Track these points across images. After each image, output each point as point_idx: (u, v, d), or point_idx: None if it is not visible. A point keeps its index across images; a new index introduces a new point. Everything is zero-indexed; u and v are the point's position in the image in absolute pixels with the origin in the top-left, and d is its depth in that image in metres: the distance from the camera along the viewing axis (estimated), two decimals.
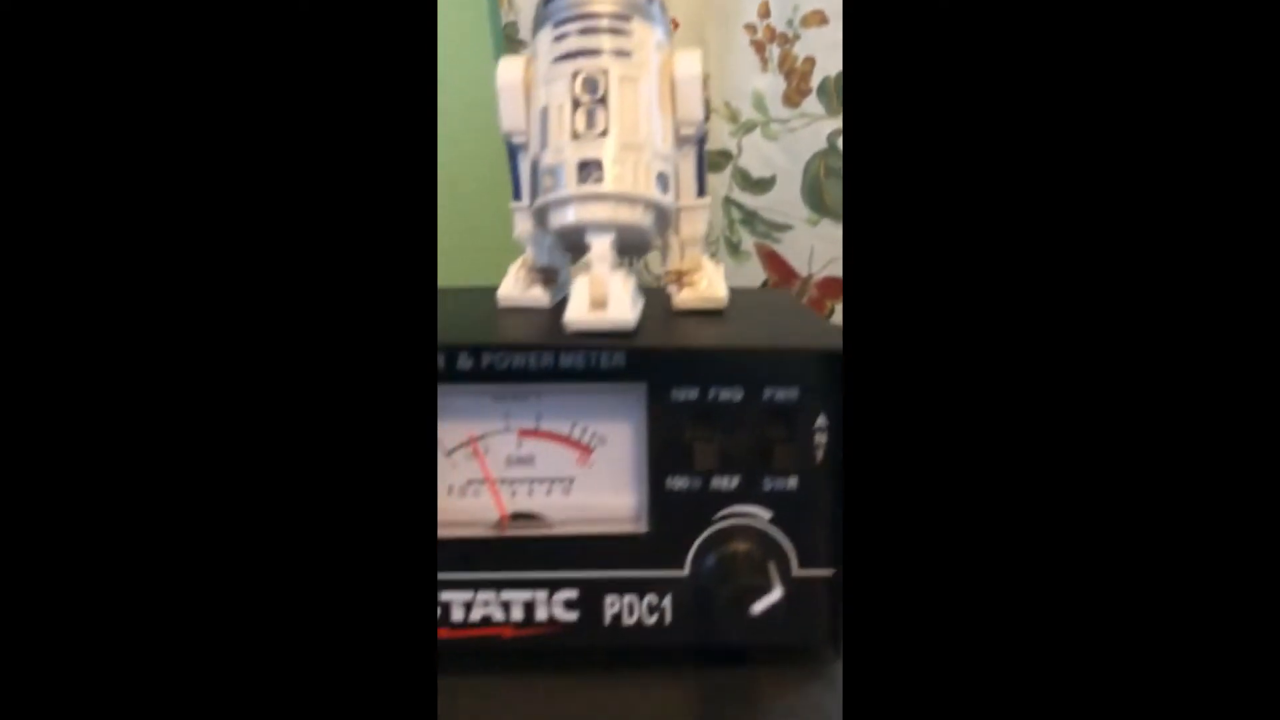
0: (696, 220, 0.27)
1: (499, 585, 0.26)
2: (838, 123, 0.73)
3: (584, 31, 0.24)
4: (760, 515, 0.25)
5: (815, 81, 0.72)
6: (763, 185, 0.76)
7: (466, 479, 0.26)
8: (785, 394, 0.25)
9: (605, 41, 0.24)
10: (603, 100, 0.23)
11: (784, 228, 0.76)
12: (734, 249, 0.78)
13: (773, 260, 0.78)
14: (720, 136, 0.75)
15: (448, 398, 0.25)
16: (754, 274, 0.79)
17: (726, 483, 0.25)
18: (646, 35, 0.25)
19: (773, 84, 0.73)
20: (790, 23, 0.71)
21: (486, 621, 0.26)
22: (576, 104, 0.23)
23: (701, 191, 0.27)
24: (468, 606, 0.26)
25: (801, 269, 0.78)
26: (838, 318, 0.79)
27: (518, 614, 0.26)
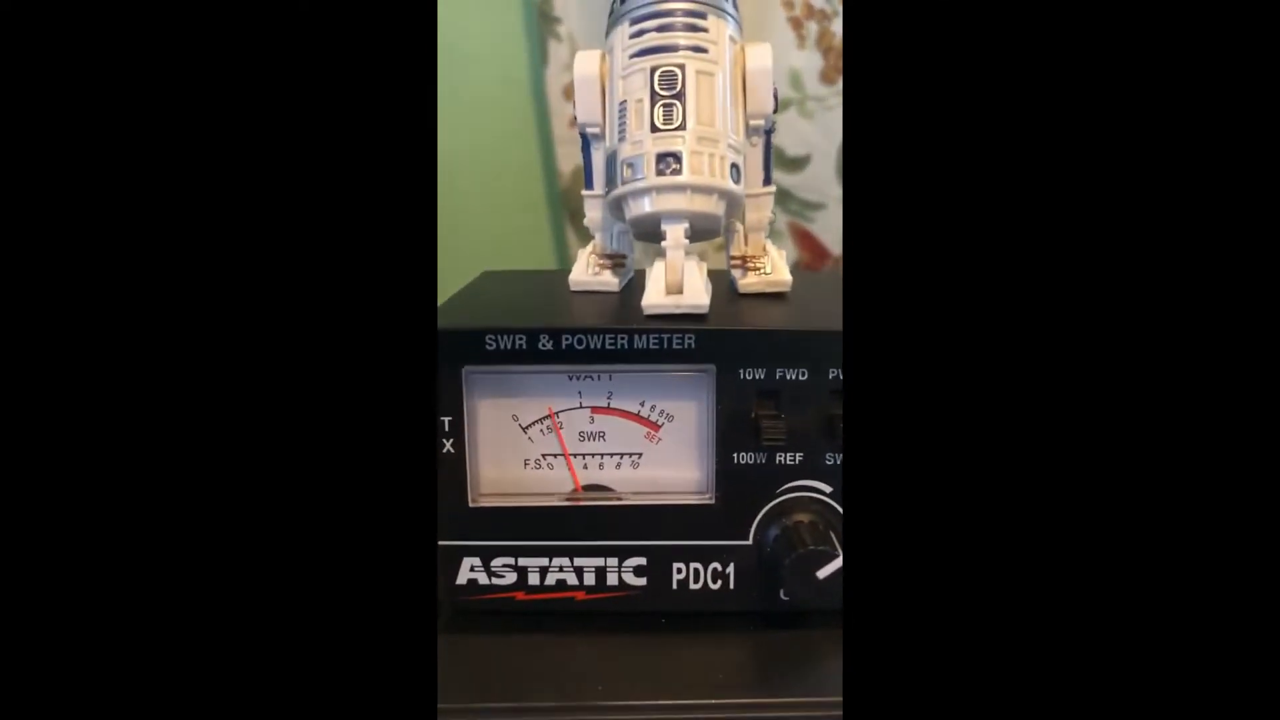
0: (763, 207, 0.29)
1: (572, 552, 0.28)
2: None
3: (661, 29, 0.25)
4: (823, 490, 0.27)
5: None
6: (797, 164, 0.76)
7: (541, 452, 0.28)
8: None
9: (681, 38, 0.25)
10: (679, 94, 0.24)
11: (818, 206, 0.77)
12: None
13: (805, 239, 0.78)
14: None
15: (530, 376, 0.27)
16: (786, 252, 0.79)
17: (790, 458, 0.27)
18: (721, 30, 0.26)
19: (810, 61, 0.73)
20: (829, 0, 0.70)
21: (561, 585, 0.28)
22: (655, 98, 0.24)
23: (768, 180, 0.28)
24: (543, 571, 0.28)
25: (834, 248, 0.78)
26: None
27: (590, 579, 0.28)
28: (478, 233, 0.81)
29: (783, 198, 0.78)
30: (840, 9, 0.70)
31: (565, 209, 0.83)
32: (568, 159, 0.81)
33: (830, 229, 0.78)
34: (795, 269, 0.30)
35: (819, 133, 0.75)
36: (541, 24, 0.77)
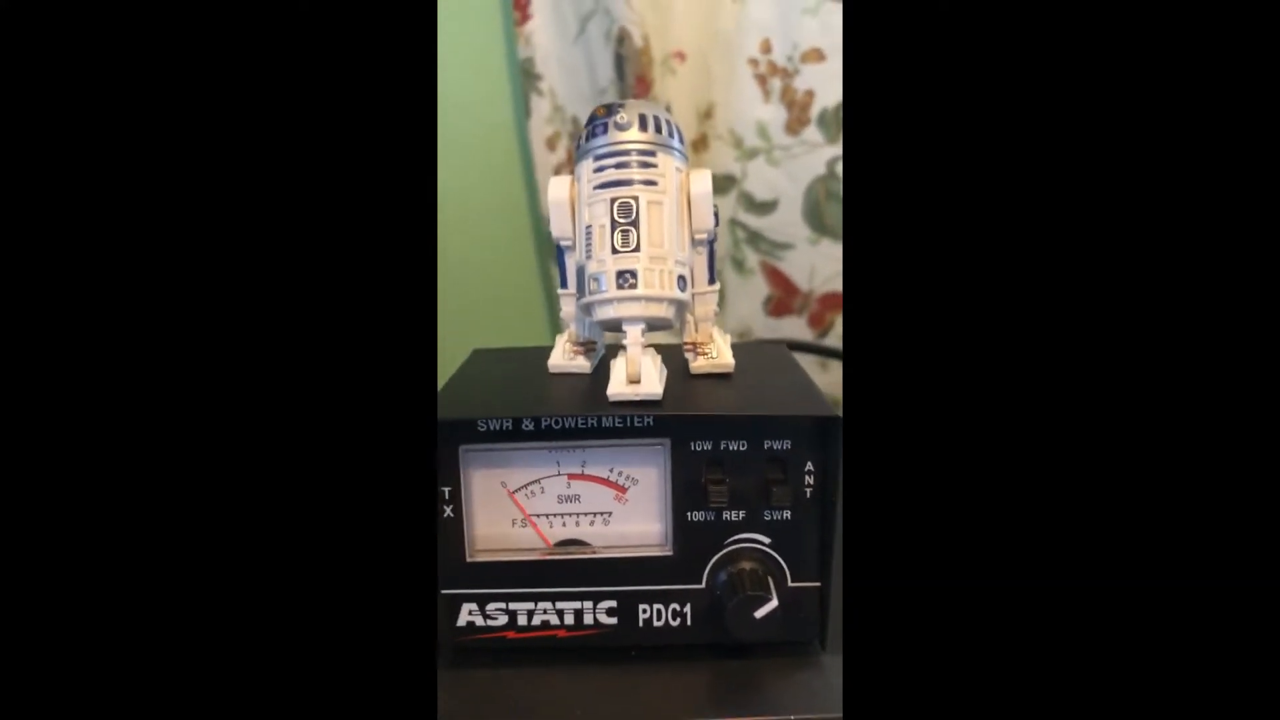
0: (708, 303, 0.34)
1: (554, 597, 0.32)
2: (836, 150, 0.78)
3: (618, 166, 0.30)
4: (762, 540, 0.32)
5: (814, 112, 0.77)
6: (766, 207, 0.82)
7: (528, 513, 0.33)
8: (781, 445, 0.31)
9: (636, 174, 0.30)
10: (634, 222, 0.30)
11: (786, 246, 0.82)
12: (739, 266, 0.84)
13: (775, 277, 0.84)
14: (726, 162, 0.80)
15: (514, 450, 0.32)
16: (758, 289, 0.84)
17: (735, 515, 0.31)
18: (669, 163, 0.31)
19: (775, 114, 0.78)
20: (790, 58, 0.76)
21: (546, 625, 0.33)
22: (615, 224, 0.30)
23: (712, 280, 0.34)
24: (530, 614, 0.33)
25: (803, 285, 0.83)
26: (837, 329, 0.85)
27: (570, 619, 0.33)
28: (472, 264, 0.86)
29: (754, 239, 0.83)
30: (801, 69, 0.76)
31: (550, 250, 0.88)
32: None
33: (799, 266, 0.83)
34: (737, 349, 0.35)
35: (785, 179, 0.81)
36: (524, 80, 0.82)
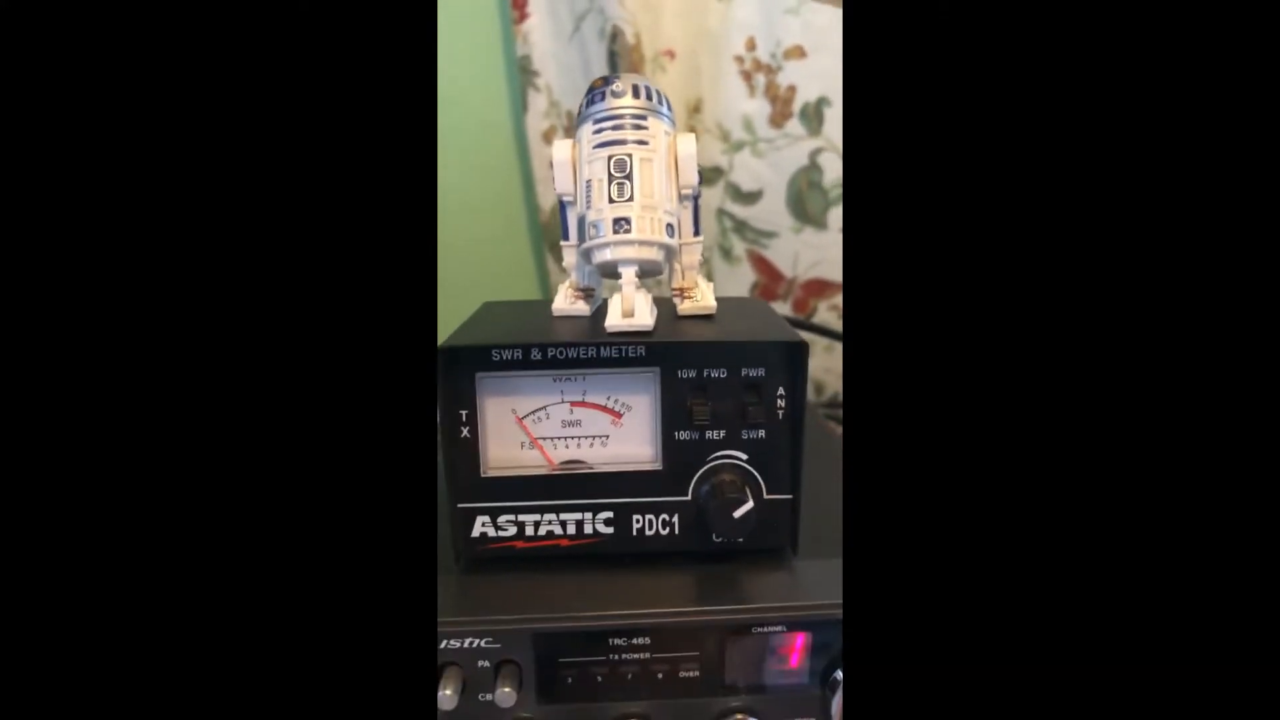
0: (694, 252, 0.39)
1: (557, 509, 0.37)
2: (817, 142, 0.83)
3: (614, 128, 0.35)
4: (740, 456, 0.36)
5: (797, 106, 0.82)
6: (751, 197, 0.86)
7: (535, 436, 0.37)
8: (756, 373, 0.35)
9: (629, 134, 0.35)
10: (629, 176, 0.34)
11: (771, 235, 0.87)
12: (727, 254, 0.88)
13: (761, 264, 0.88)
14: (713, 154, 0.85)
15: (524, 379, 0.36)
16: (745, 276, 0.89)
17: (716, 434, 0.36)
18: (659, 127, 0.36)
19: (759, 108, 0.83)
20: (773, 55, 0.81)
21: (550, 535, 0.37)
22: (611, 178, 0.34)
23: (697, 232, 0.38)
24: (536, 525, 0.37)
25: (787, 271, 0.88)
26: (820, 314, 0.89)
27: (571, 529, 0.37)
28: (470, 256, 0.90)
29: (740, 227, 0.88)
30: (784, 65, 0.81)
31: (545, 240, 0.93)
32: (547, 196, 0.90)
33: (783, 254, 0.88)
34: (719, 300, 0.40)
35: (770, 170, 0.85)
36: (522, 76, 0.86)
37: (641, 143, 0.35)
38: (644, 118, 0.35)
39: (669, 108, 0.36)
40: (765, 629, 0.34)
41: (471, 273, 0.91)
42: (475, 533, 0.37)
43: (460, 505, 0.37)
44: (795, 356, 0.35)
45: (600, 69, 0.83)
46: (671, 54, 0.83)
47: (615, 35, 0.79)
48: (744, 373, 0.35)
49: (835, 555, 0.37)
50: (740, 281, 0.89)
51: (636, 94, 0.35)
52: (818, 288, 0.88)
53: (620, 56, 0.80)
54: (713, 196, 0.86)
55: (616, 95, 0.35)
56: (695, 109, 0.85)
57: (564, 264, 0.39)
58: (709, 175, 0.85)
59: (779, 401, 0.36)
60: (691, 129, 0.85)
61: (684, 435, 0.36)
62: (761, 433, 0.36)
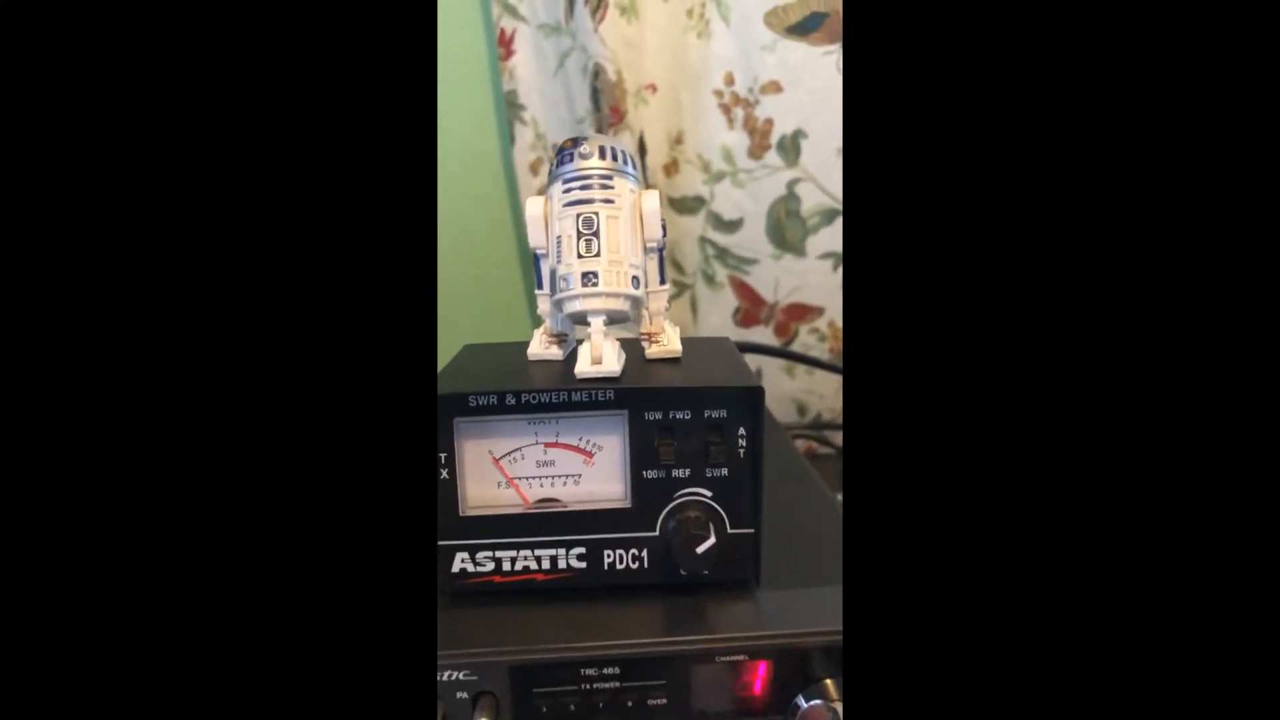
0: (660, 299, 0.41)
1: (533, 545, 0.39)
2: (795, 173, 0.86)
3: (582, 188, 0.37)
4: (704, 493, 0.38)
5: (774, 139, 0.84)
6: (732, 226, 0.89)
7: (510, 476, 0.39)
8: (718, 414, 0.38)
9: (596, 194, 0.37)
10: (596, 233, 0.37)
11: (751, 261, 0.89)
12: (709, 280, 0.91)
13: (743, 289, 0.91)
14: (695, 184, 0.88)
15: (500, 423, 0.38)
16: (728, 301, 0.91)
17: (682, 473, 0.38)
18: (624, 185, 0.38)
19: (738, 140, 0.85)
20: (751, 90, 0.84)
21: (526, 570, 0.39)
22: (579, 235, 0.37)
23: (663, 280, 0.40)
24: (513, 560, 0.39)
25: (769, 296, 0.90)
26: (801, 337, 0.92)
27: (546, 564, 0.39)
28: (462, 281, 0.93)
29: (722, 255, 0.90)
30: (761, 99, 0.83)
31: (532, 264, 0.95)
32: None
33: (763, 280, 0.90)
34: (689, 341, 0.42)
35: (750, 199, 0.88)
36: (509, 110, 0.89)
37: (608, 201, 0.37)
38: (610, 178, 0.37)
39: (635, 166, 0.39)
40: (729, 658, 0.35)
41: (463, 293, 0.94)
42: (455, 568, 0.39)
43: (441, 543, 0.39)
44: (753, 399, 0.37)
45: (584, 103, 0.85)
46: (653, 88, 0.86)
47: (598, 72, 0.82)
48: (707, 414, 0.38)
49: (796, 585, 0.39)
50: (723, 307, 0.91)
51: (603, 155, 0.38)
52: (798, 312, 0.91)
53: (602, 92, 0.83)
54: (695, 225, 0.89)
55: (584, 157, 0.37)
56: (677, 141, 0.87)
57: (538, 310, 0.41)
58: (691, 204, 0.88)
59: (740, 441, 0.38)
60: (673, 160, 0.88)
61: (651, 474, 0.38)
62: (724, 470, 0.38)
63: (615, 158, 0.38)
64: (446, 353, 0.70)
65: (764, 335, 0.92)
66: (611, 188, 0.37)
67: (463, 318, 0.93)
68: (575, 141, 0.38)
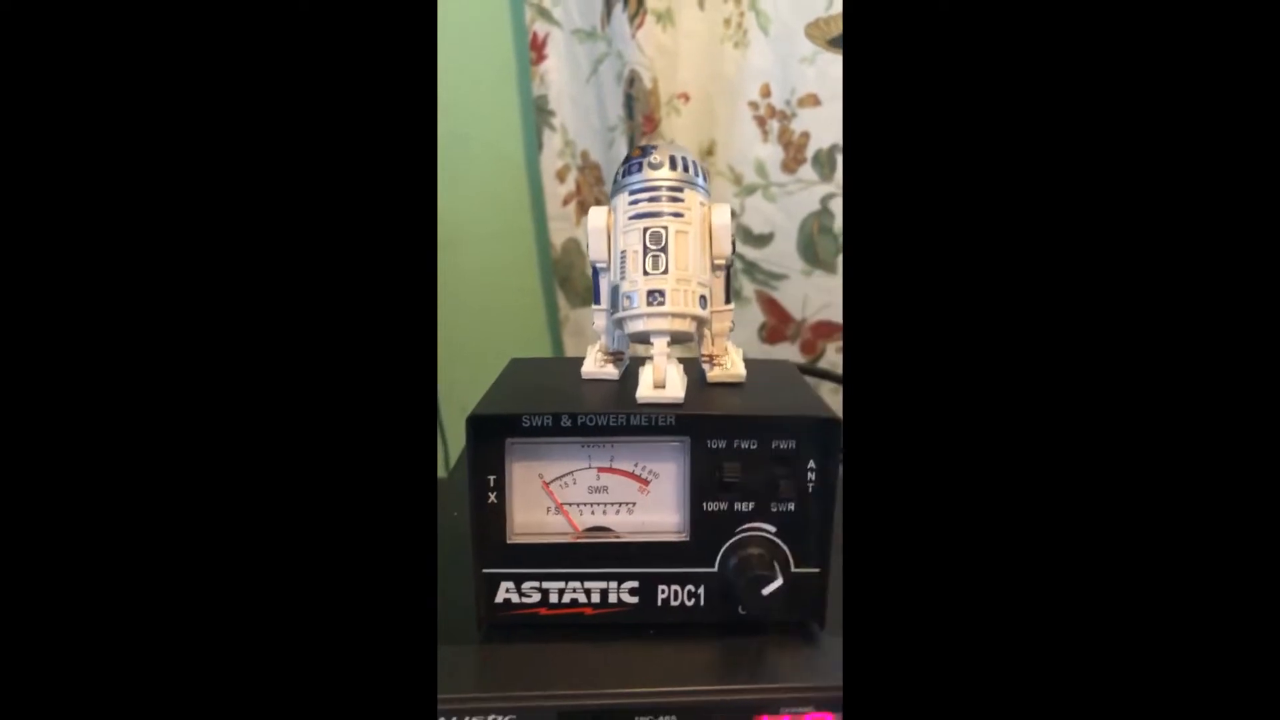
0: (724, 320, 0.38)
1: (582, 577, 0.36)
2: (829, 188, 0.84)
3: (650, 200, 0.35)
4: (769, 529, 0.36)
5: (810, 152, 0.83)
6: (762, 240, 0.87)
7: (561, 501, 0.37)
8: (786, 444, 0.35)
9: (665, 206, 0.35)
10: (664, 249, 0.34)
11: (781, 277, 0.87)
12: (737, 294, 0.89)
13: (771, 305, 0.89)
14: (725, 196, 0.86)
15: (552, 445, 0.36)
16: (754, 317, 0.89)
17: (745, 506, 0.36)
18: (694, 198, 0.36)
19: (773, 153, 0.84)
20: (788, 102, 0.82)
21: (574, 603, 0.37)
22: (646, 250, 0.34)
23: (728, 300, 0.38)
24: (560, 592, 0.37)
25: (796, 313, 0.88)
26: (829, 356, 0.89)
27: (596, 598, 0.36)
28: (481, 285, 0.91)
29: (750, 269, 0.88)
30: (798, 112, 0.82)
31: (556, 276, 0.93)
32: (559, 233, 0.91)
33: (791, 296, 0.88)
34: (750, 362, 0.40)
35: (781, 214, 0.86)
36: (538, 116, 0.87)
37: (677, 214, 0.35)
38: (680, 190, 0.35)
39: (705, 177, 0.37)
40: (794, 709, 0.33)
41: (482, 301, 0.91)
42: (499, 599, 0.37)
43: (485, 570, 0.36)
44: (828, 432, 0.35)
45: (616, 110, 0.83)
46: (686, 97, 0.84)
47: (633, 79, 0.80)
48: (774, 444, 0.35)
49: None
50: (749, 322, 0.89)
51: (674, 165, 0.35)
52: (826, 330, 0.88)
53: (637, 100, 0.81)
54: None
55: (654, 167, 0.35)
56: (709, 152, 0.86)
57: (595, 327, 0.39)
58: None
59: (810, 475, 0.35)
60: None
61: (712, 506, 0.36)
62: (791, 505, 0.36)
63: (686, 168, 0.36)
64: (455, 359, 0.68)
65: (790, 352, 0.90)
66: (681, 200, 0.35)
67: (478, 322, 0.90)
68: (644, 150, 0.36)
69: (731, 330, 0.39)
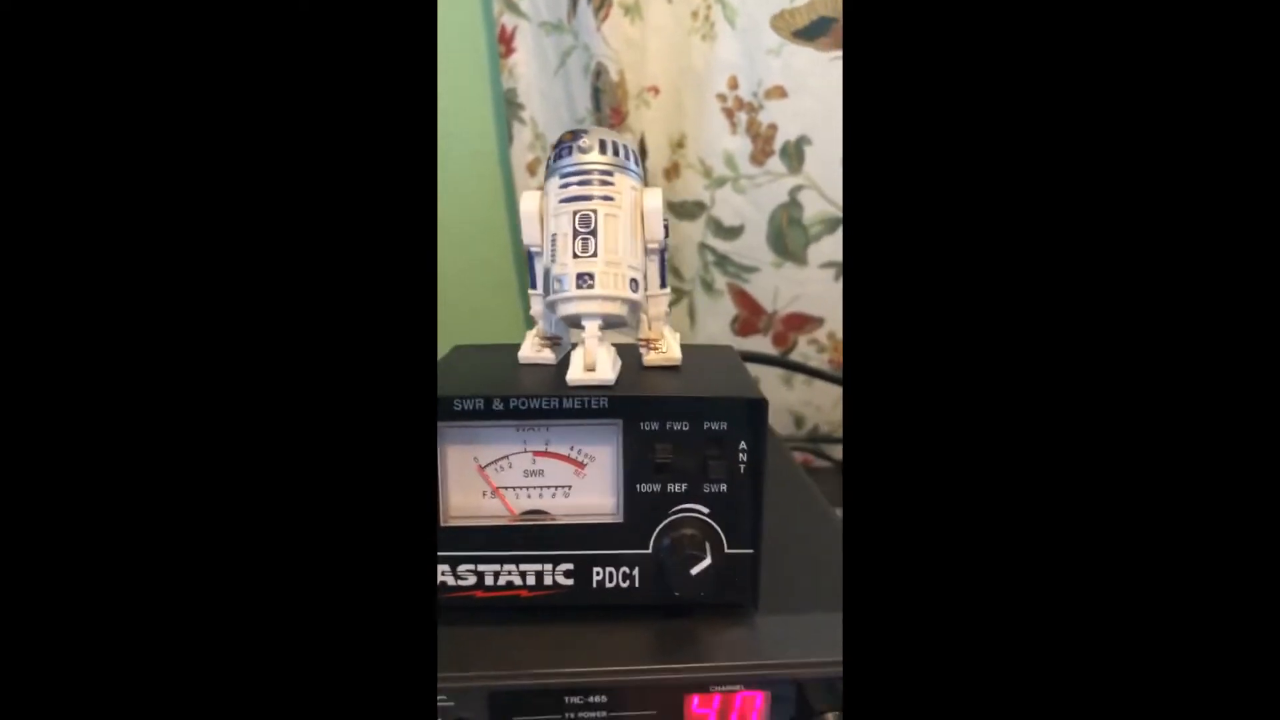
0: (660, 304, 0.39)
1: (518, 560, 0.36)
2: (797, 179, 0.84)
3: (580, 183, 0.35)
4: (702, 510, 0.36)
5: (778, 145, 0.83)
6: (733, 232, 0.87)
7: (496, 485, 0.37)
8: (718, 426, 0.36)
9: (595, 190, 0.35)
10: (593, 231, 0.35)
11: (752, 269, 0.87)
12: (708, 288, 0.89)
13: (742, 298, 0.89)
14: (695, 190, 0.86)
15: (487, 429, 0.36)
16: (726, 309, 0.89)
17: (678, 487, 0.36)
18: (625, 182, 0.36)
19: (741, 145, 0.84)
20: (755, 95, 0.82)
21: (510, 585, 0.37)
22: (576, 233, 0.35)
23: (663, 284, 0.38)
24: (496, 575, 0.37)
25: (767, 305, 0.89)
26: (800, 347, 0.90)
27: (531, 580, 0.37)
28: (457, 282, 0.91)
29: (722, 262, 0.88)
30: (765, 104, 0.82)
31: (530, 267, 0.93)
32: None
33: (763, 288, 0.88)
34: (689, 347, 0.40)
35: (751, 206, 0.86)
36: (508, 109, 0.87)
37: (607, 198, 0.35)
38: (610, 173, 0.35)
39: (637, 163, 0.37)
40: (724, 688, 0.33)
41: (457, 292, 0.92)
42: (436, 581, 0.37)
43: None
44: (756, 412, 0.35)
45: (584, 103, 0.84)
46: (655, 90, 0.84)
47: (600, 72, 0.80)
48: (706, 426, 0.36)
49: (796, 610, 0.37)
50: (721, 315, 0.89)
51: (604, 149, 0.36)
52: (797, 321, 0.89)
53: (604, 93, 0.81)
54: (695, 231, 0.87)
55: (584, 150, 0.35)
56: (679, 144, 0.86)
57: (531, 312, 0.39)
58: (692, 210, 0.86)
59: (741, 455, 0.36)
60: (674, 164, 0.86)
61: (646, 488, 0.36)
62: (723, 486, 0.36)
63: (617, 152, 0.36)
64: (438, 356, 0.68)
65: (762, 344, 0.90)
66: (612, 184, 0.35)
67: (456, 318, 0.90)
68: (575, 134, 0.36)
69: (669, 315, 0.39)
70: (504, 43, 0.84)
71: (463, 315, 0.93)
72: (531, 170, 0.88)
